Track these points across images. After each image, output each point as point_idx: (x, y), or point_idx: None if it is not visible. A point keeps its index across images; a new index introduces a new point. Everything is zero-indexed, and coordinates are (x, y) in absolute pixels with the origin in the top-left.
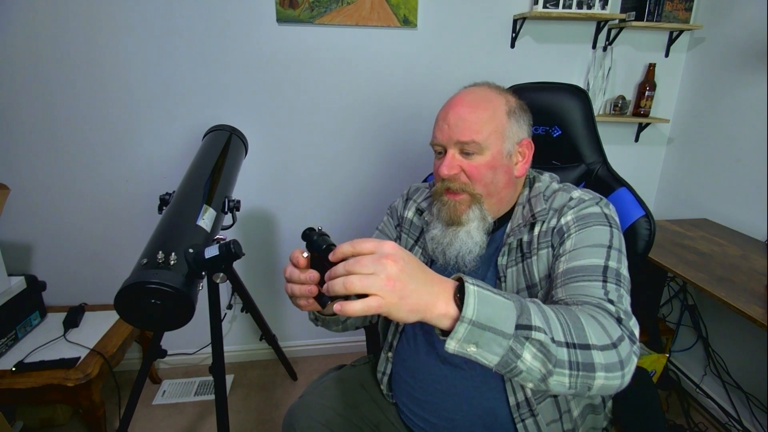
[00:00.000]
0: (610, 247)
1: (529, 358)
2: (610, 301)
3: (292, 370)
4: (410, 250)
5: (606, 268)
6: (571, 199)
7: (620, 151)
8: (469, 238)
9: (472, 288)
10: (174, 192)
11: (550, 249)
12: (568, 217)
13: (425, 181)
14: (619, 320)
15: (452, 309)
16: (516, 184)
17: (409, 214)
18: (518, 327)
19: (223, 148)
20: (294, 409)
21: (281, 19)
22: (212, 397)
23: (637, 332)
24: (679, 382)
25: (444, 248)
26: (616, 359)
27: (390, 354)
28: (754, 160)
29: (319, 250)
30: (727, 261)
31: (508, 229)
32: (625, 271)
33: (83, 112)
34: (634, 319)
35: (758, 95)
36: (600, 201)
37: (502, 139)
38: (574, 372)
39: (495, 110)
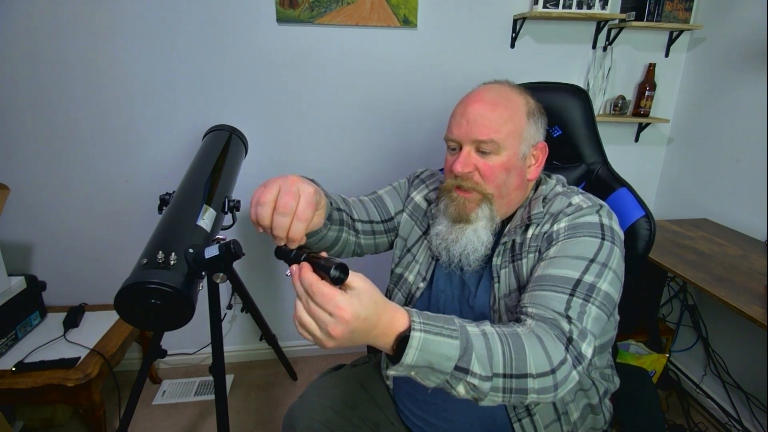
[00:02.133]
0: (592, 260)
1: (462, 391)
2: (568, 318)
3: (292, 370)
4: (416, 243)
5: (579, 282)
6: (569, 204)
7: (620, 151)
8: (475, 236)
9: (416, 339)
10: (174, 192)
11: (536, 254)
12: (561, 224)
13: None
14: (569, 340)
15: (392, 352)
16: (527, 187)
17: (417, 197)
18: (456, 368)
19: (223, 148)
20: (294, 409)
21: (281, 19)
22: (212, 397)
23: (588, 352)
24: (679, 382)
25: (449, 245)
26: (550, 383)
27: None
28: (754, 160)
29: (297, 260)
30: (727, 261)
31: (506, 230)
32: (605, 286)
33: (83, 112)
34: (589, 337)
35: (758, 95)
36: (600, 209)
37: (520, 141)
38: (507, 395)
39: (515, 110)
